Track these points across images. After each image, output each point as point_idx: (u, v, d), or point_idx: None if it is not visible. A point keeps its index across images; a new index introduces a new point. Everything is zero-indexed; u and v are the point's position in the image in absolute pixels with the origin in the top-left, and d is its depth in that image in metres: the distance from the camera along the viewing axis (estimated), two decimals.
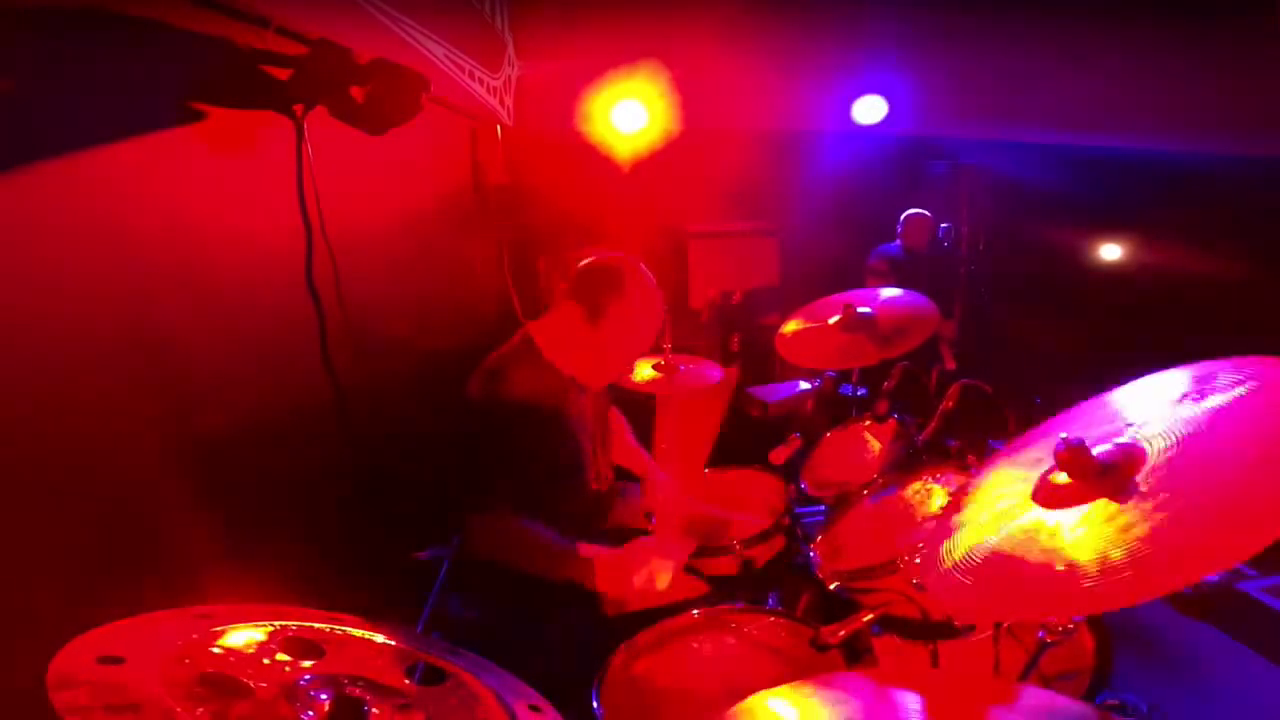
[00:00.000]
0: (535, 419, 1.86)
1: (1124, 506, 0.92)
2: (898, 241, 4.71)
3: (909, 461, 2.13)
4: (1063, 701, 0.97)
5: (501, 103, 3.45)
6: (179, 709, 0.69)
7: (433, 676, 0.91)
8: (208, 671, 0.77)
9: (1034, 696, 0.96)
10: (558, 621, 1.80)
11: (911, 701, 0.94)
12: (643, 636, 1.61)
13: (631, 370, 1.96)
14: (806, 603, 2.08)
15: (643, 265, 1.95)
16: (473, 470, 1.80)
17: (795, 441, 2.50)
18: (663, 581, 1.74)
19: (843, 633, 1.46)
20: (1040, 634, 1.22)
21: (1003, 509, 1.07)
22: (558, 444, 1.93)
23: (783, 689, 0.98)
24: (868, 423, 2.47)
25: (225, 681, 0.77)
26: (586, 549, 1.75)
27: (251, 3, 1.37)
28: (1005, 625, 1.42)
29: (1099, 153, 4.23)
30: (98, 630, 0.75)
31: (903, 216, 4.70)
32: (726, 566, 2.08)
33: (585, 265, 1.94)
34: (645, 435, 2.66)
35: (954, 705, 0.96)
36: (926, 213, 4.69)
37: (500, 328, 2.05)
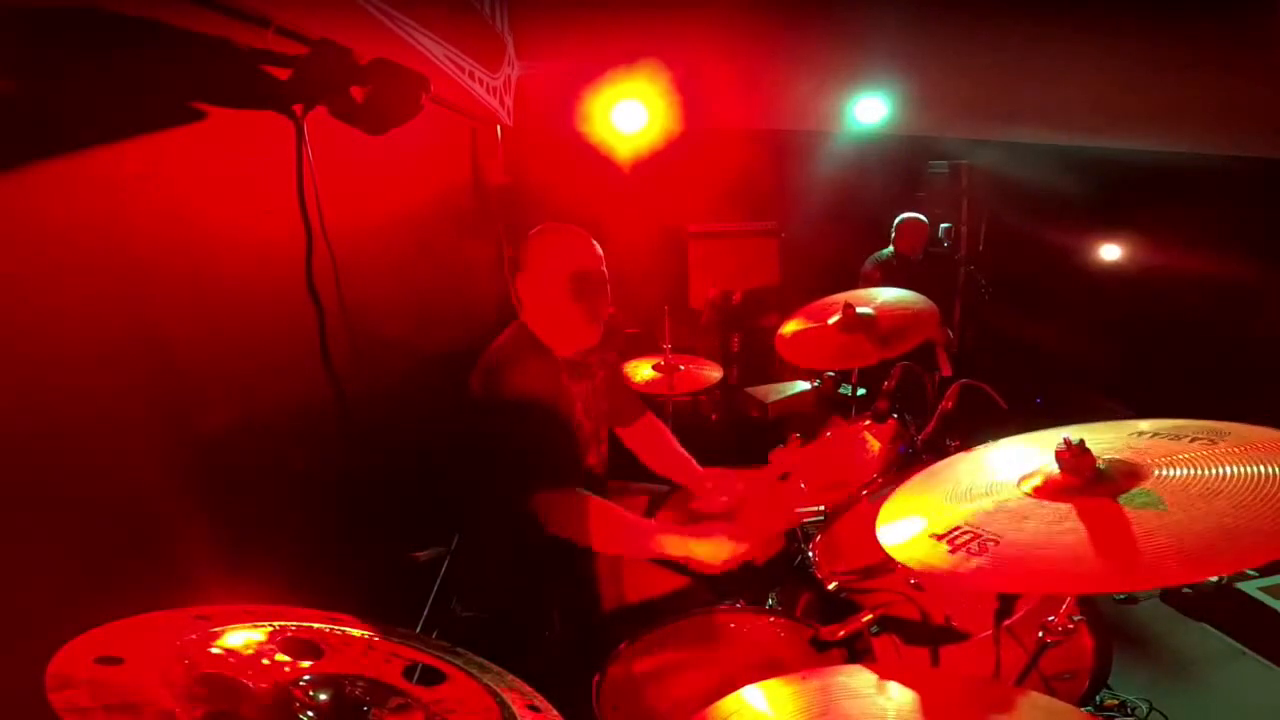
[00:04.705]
0: (539, 409, 1.88)
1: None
2: (891, 247, 4.63)
3: (909, 461, 2.13)
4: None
5: (501, 103, 3.45)
6: (178, 709, 0.69)
7: (432, 676, 0.91)
8: (206, 672, 0.77)
9: (1026, 699, 0.96)
10: (558, 621, 1.80)
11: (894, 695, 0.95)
12: (643, 636, 1.61)
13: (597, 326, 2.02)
14: (806, 603, 2.08)
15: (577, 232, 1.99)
16: (520, 456, 1.82)
17: (795, 441, 2.50)
18: (717, 553, 1.79)
19: (842, 633, 1.46)
20: (1040, 634, 1.22)
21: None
22: (559, 433, 1.95)
23: (769, 683, 0.99)
24: (868, 423, 2.47)
25: (224, 682, 0.77)
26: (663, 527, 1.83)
27: (251, 3, 1.37)
28: (1005, 625, 1.42)
29: (1099, 153, 4.23)
30: (97, 630, 0.75)
31: (896, 222, 4.57)
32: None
33: (564, 261, 1.94)
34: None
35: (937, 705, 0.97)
36: (921, 217, 4.55)
37: (500, 328, 2.06)
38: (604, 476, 2.23)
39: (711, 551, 1.77)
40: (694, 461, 2.32)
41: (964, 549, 1.01)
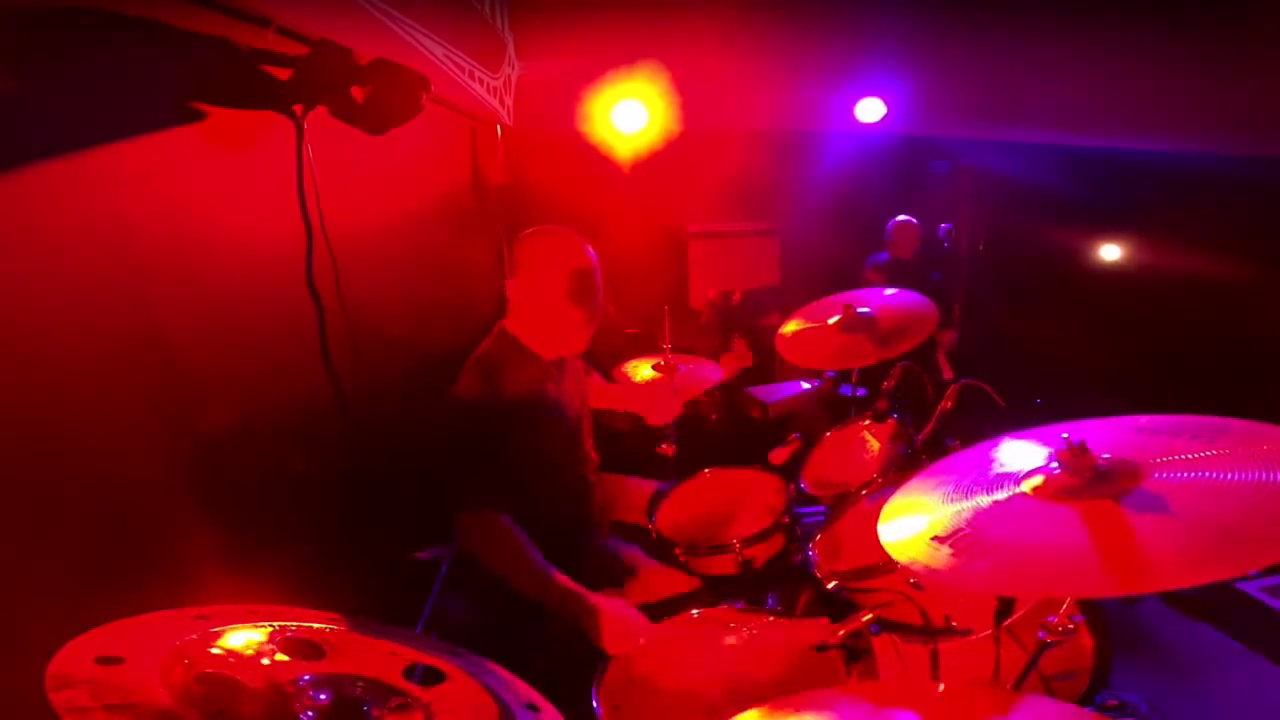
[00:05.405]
0: (529, 412, 1.90)
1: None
2: (885, 253, 4.63)
3: (908, 461, 2.13)
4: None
5: (501, 103, 3.45)
6: (178, 709, 0.69)
7: (432, 676, 0.91)
8: (207, 672, 0.77)
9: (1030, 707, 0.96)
10: (558, 621, 1.80)
11: None
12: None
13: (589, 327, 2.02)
14: (806, 603, 2.08)
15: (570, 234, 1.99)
16: (461, 466, 1.81)
17: (795, 441, 2.50)
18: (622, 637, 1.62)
19: (842, 633, 1.46)
20: (1040, 634, 1.22)
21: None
22: (549, 434, 1.97)
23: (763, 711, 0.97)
24: (867, 423, 2.47)
25: (224, 682, 0.77)
26: (592, 595, 1.68)
27: (251, 3, 1.37)
28: (1005, 625, 1.42)
29: (1099, 153, 4.23)
30: (97, 630, 0.75)
31: (889, 226, 4.58)
32: (726, 566, 2.08)
33: (559, 260, 1.93)
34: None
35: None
36: (913, 220, 4.55)
37: (489, 331, 2.07)
38: (597, 462, 2.24)
39: (617, 635, 1.61)
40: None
41: (965, 551, 1.01)
